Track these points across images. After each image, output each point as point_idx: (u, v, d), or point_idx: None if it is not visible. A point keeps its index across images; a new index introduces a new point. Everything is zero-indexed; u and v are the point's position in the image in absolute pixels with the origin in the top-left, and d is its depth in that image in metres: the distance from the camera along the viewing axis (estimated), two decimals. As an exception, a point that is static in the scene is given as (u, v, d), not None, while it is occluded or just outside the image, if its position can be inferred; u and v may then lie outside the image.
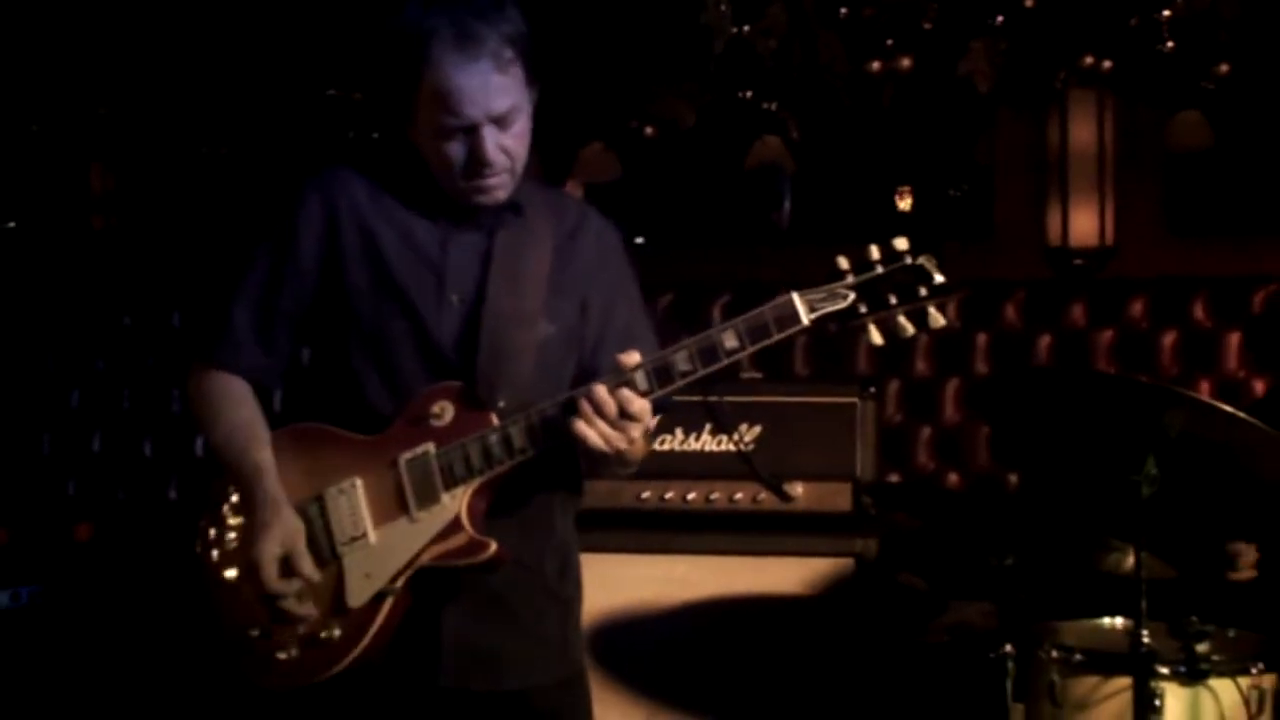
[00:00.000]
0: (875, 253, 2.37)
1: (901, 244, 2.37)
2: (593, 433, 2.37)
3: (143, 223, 6.15)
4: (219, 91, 5.80)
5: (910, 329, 2.38)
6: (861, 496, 3.91)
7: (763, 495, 3.94)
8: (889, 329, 2.38)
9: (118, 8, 5.62)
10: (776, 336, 2.37)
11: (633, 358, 2.39)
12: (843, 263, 2.37)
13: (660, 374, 2.39)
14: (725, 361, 2.39)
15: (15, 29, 5.62)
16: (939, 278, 2.36)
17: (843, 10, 5.12)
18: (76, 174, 6.15)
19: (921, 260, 2.36)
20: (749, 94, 5.30)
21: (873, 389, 4.03)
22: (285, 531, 2.43)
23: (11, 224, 5.50)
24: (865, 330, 2.38)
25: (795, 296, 2.36)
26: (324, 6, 5.54)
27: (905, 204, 5.91)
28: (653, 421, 2.45)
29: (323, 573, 2.46)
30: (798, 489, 3.92)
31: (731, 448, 3.96)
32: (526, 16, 2.48)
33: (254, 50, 5.68)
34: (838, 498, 3.92)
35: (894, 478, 5.06)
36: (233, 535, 2.56)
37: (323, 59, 5.66)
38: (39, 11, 5.59)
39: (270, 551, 2.42)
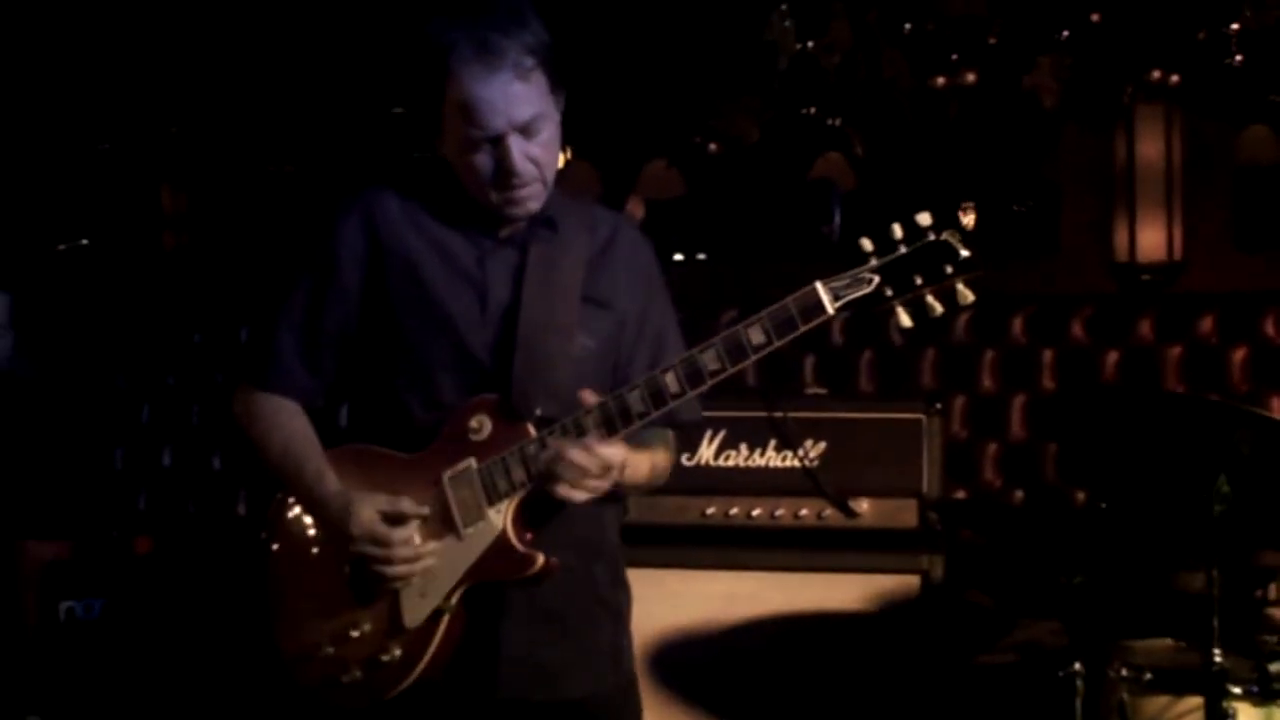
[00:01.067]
0: (898, 232, 2.32)
1: (924, 219, 2.32)
2: (573, 492, 2.38)
3: (212, 241, 6.22)
4: (287, 111, 5.86)
5: (939, 308, 2.33)
6: (927, 513, 3.89)
7: (828, 511, 3.93)
8: (918, 310, 2.33)
9: (188, 31, 5.69)
10: (804, 327, 2.34)
11: (590, 397, 2.39)
12: (866, 244, 2.33)
13: (691, 375, 2.38)
14: (754, 357, 2.35)
15: (88, 51, 5.71)
16: (965, 253, 2.30)
17: (907, 26, 5.11)
18: (148, 193, 6.23)
19: (946, 236, 2.31)
20: (813, 110, 5.31)
21: (938, 405, 4.01)
22: (371, 499, 2.45)
23: (84, 242, 5.58)
24: (894, 314, 2.34)
25: (819, 285, 2.33)
26: (389, 26, 5.59)
27: (969, 220, 5.88)
28: (634, 458, 2.45)
29: (378, 594, 2.48)
30: (863, 505, 3.91)
31: (796, 464, 3.95)
32: (567, 30, 2.52)
33: (320, 70, 5.74)
34: (903, 514, 3.91)
35: (960, 494, 5.04)
36: (292, 550, 2.58)
37: (387, 78, 5.71)
38: (111, 34, 5.68)
39: (370, 514, 2.43)
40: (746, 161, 5.57)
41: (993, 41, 5.09)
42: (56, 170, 5.96)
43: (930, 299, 2.32)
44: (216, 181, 6.21)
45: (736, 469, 3.97)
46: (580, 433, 2.40)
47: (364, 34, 5.62)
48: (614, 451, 2.39)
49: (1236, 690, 2.93)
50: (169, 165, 6.16)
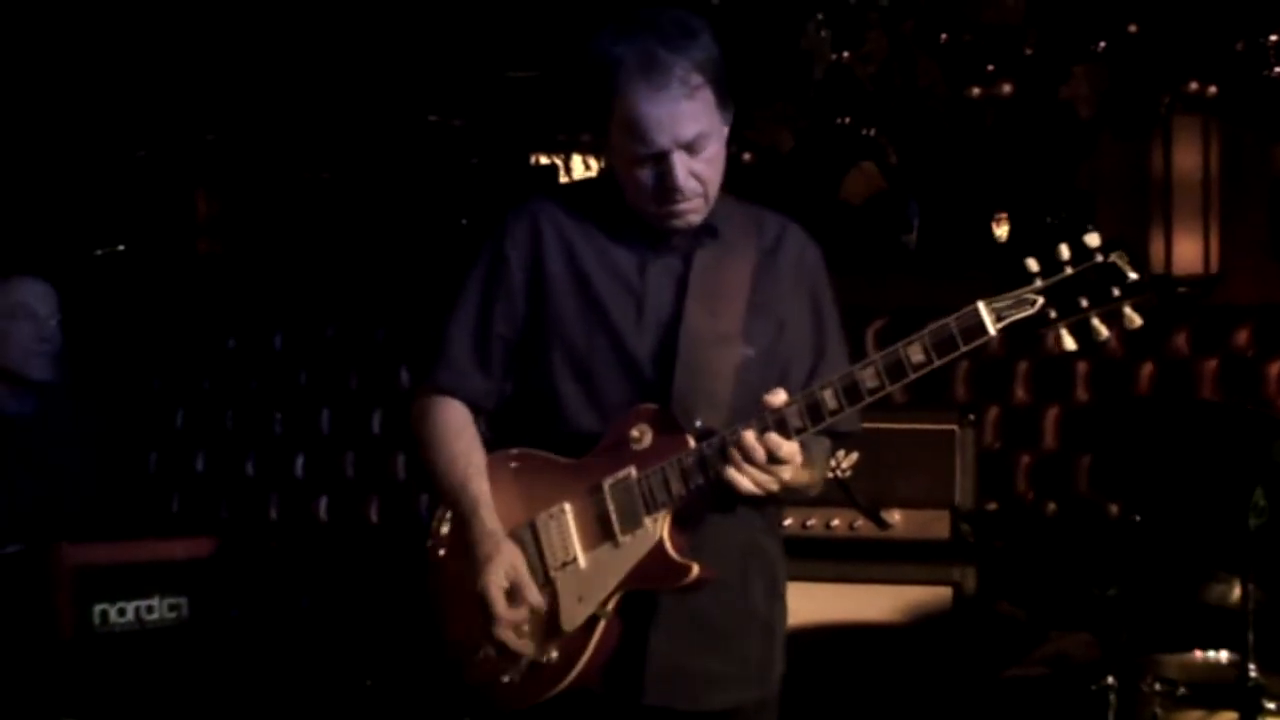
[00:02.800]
0: (1065, 252, 2.28)
1: (1093, 240, 2.28)
2: (743, 479, 2.39)
3: (246, 247, 6.25)
4: (321, 118, 5.89)
5: (1105, 332, 2.28)
6: (960, 525, 3.88)
7: (860, 522, 3.92)
8: (1082, 333, 2.29)
9: (223, 38, 5.72)
10: (964, 348, 2.31)
11: (778, 397, 2.39)
12: (1032, 265, 2.29)
13: (849, 392, 2.38)
14: (912, 376, 2.34)
15: (124, 58, 5.75)
16: (1133, 275, 2.25)
17: (943, 36, 5.10)
18: (183, 199, 6.27)
19: (1114, 258, 2.26)
20: (848, 120, 5.30)
21: (972, 416, 4.00)
22: (508, 564, 2.49)
23: (120, 247, 5.62)
24: (1057, 336, 2.29)
25: (981, 305, 2.29)
26: (423, 34, 5.61)
27: (1002, 231, 5.87)
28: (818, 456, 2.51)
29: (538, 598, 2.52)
30: (895, 516, 3.90)
31: (829, 475, 3.94)
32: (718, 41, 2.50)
33: (355, 77, 5.76)
34: (936, 526, 3.90)
35: (992, 506, 5.01)
36: (456, 560, 2.60)
37: (423, 86, 5.73)
38: (147, 41, 5.72)
39: (497, 583, 2.47)
40: (781, 171, 5.56)
41: (1029, 52, 5.08)
42: (93, 176, 6.01)
43: (1096, 322, 2.28)
44: (251, 188, 6.25)
45: (768, 478, 3.96)
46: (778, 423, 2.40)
47: (400, 41, 5.64)
48: (785, 443, 2.39)
49: (1271, 705, 2.90)
50: (204, 171, 6.20)
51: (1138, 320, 2.26)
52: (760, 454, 2.37)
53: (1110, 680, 3.18)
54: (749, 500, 2.51)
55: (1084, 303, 2.27)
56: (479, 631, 2.53)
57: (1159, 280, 5.22)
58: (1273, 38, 4.79)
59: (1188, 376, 5.07)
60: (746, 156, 5.49)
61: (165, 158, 6.10)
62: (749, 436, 2.38)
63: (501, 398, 2.65)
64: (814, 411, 2.39)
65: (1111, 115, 5.06)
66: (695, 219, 2.54)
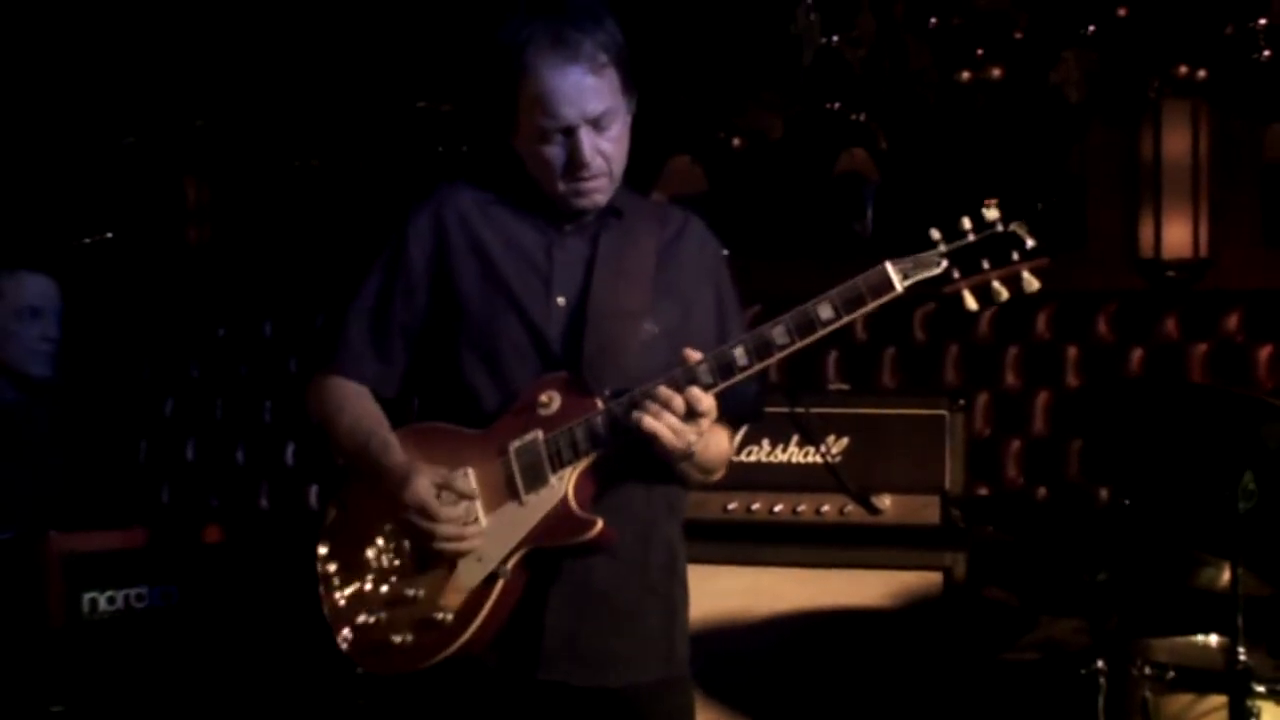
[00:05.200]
0: (966, 223, 2.39)
1: (992, 214, 2.39)
2: (663, 428, 2.42)
3: (236, 235, 6.24)
4: (311, 105, 5.87)
5: (1005, 293, 2.39)
6: (950, 510, 3.88)
7: (850, 508, 3.92)
8: (983, 295, 2.40)
9: (212, 25, 5.70)
10: (871, 304, 2.39)
11: (695, 355, 2.44)
12: (934, 234, 2.40)
13: (759, 348, 2.43)
14: (821, 332, 2.41)
15: (112, 45, 5.72)
16: (1031, 242, 2.37)
17: (932, 20, 5.09)
18: (172, 187, 6.24)
19: (1014, 227, 2.38)
20: (837, 105, 5.29)
21: (961, 401, 4.00)
22: (432, 471, 2.51)
23: (109, 235, 5.60)
24: (959, 296, 2.40)
25: (888, 264, 2.39)
26: (413, 20, 5.59)
27: (993, 215, 5.85)
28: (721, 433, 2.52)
29: (436, 562, 2.53)
30: (885, 501, 3.90)
31: (819, 459, 3.94)
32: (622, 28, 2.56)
33: (345, 64, 5.74)
34: (926, 511, 3.90)
35: (983, 491, 5.02)
36: (353, 520, 2.64)
37: (412, 72, 5.71)
38: (135, 28, 5.70)
39: (424, 486, 2.49)
40: (770, 157, 5.55)
41: (1019, 36, 5.07)
42: (81, 164, 5.99)
43: (996, 284, 2.39)
44: (240, 175, 6.23)
45: (759, 464, 3.97)
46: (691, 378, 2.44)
47: (389, 28, 5.62)
48: (705, 397, 2.42)
49: (1260, 689, 2.91)
50: (193, 159, 6.18)
51: (1035, 284, 2.39)
52: (679, 403, 2.41)
53: (1100, 665, 3.18)
54: (657, 476, 2.57)
55: (985, 265, 2.38)
56: (375, 594, 2.56)
57: (1149, 265, 5.22)
58: (1262, 21, 4.78)
59: (1178, 361, 5.08)
60: (736, 142, 5.48)
61: (154, 145, 6.07)
62: (664, 388, 2.42)
63: (398, 386, 2.68)
64: (725, 369, 2.44)
65: (1101, 100, 5.05)
66: (600, 199, 2.60)
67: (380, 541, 2.60)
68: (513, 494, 2.52)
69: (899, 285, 2.38)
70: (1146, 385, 4.22)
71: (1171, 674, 3.05)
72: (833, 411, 3.98)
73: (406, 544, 2.56)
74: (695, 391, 2.42)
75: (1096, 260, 5.36)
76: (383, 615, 2.56)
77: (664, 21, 5.06)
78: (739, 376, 2.44)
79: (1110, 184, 5.37)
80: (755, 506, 3.96)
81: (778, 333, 2.42)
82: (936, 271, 2.39)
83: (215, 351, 5.84)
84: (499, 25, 2.56)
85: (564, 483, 2.51)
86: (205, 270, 6.09)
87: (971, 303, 2.40)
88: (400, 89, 5.75)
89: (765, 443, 3.97)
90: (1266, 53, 4.80)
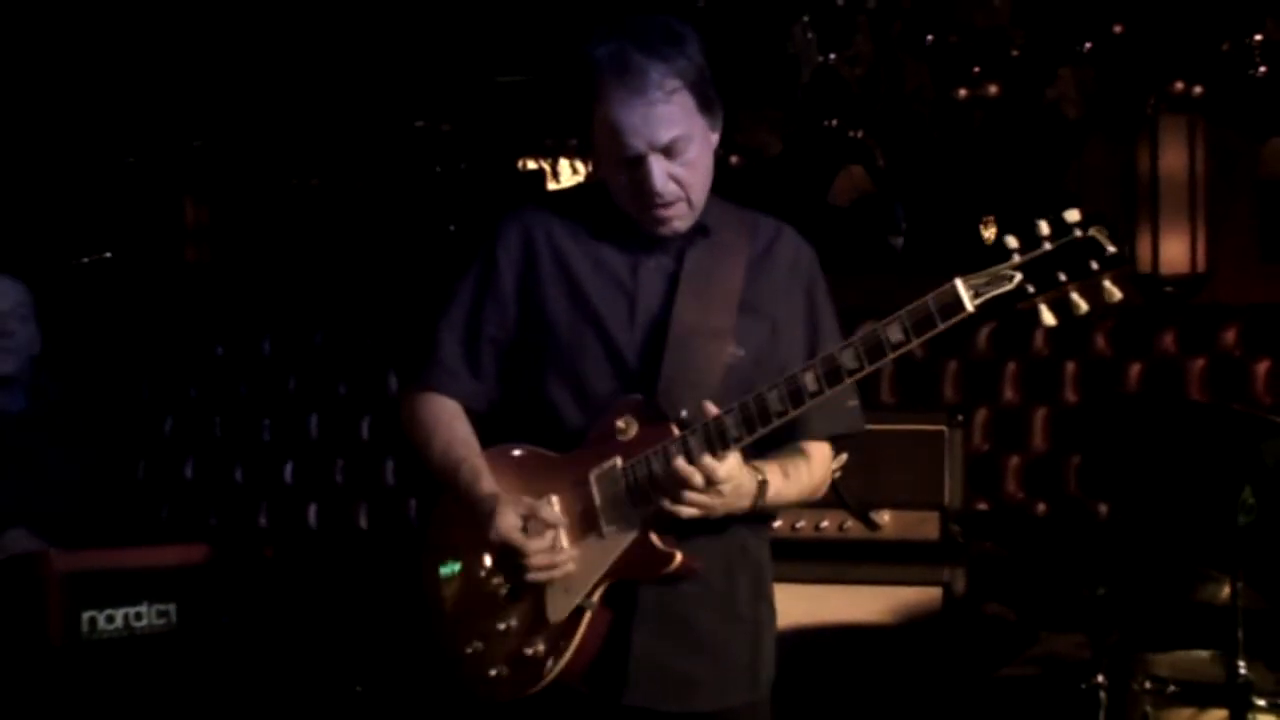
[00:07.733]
0: (1044, 228, 2.27)
1: (1073, 216, 2.27)
2: (683, 509, 2.42)
3: (235, 254, 6.24)
4: (309, 124, 5.88)
5: (1084, 306, 2.29)
6: (949, 525, 3.88)
7: (849, 523, 3.92)
8: (1062, 308, 2.29)
9: (211, 45, 5.72)
10: (942, 326, 2.31)
11: (712, 409, 2.42)
12: (1010, 241, 2.29)
13: (829, 374, 2.38)
14: (891, 356, 2.34)
15: (111, 64, 5.74)
16: (1111, 249, 2.25)
17: (929, 38, 5.10)
18: (170, 206, 6.25)
19: (1093, 232, 2.26)
20: (835, 122, 5.30)
21: (960, 417, 4.01)
22: (517, 503, 2.50)
23: (108, 254, 5.61)
24: (1036, 311, 2.30)
25: (958, 282, 2.30)
26: (411, 40, 5.61)
27: (990, 233, 5.87)
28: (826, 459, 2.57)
29: (525, 593, 2.53)
30: (885, 517, 3.90)
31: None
32: (585, 40, 2.52)
33: (343, 83, 5.76)
34: (925, 526, 3.90)
35: (981, 506, 5.02)
36: (454, 541, 2.63)
37: (410, 91, 5.73)
38: (134, 47, 5.71)
39: (511, 522, 2.48)
40: (768, 174, 5.56)
41: (1015, 53, 5.08)
42: (80, 183, 6.00)
43: (1075, 296, 2.28)
44: (239, 195, 6.24)
45: (758, 480, 3.96)
46: (721, 432, 2.41)
47: (387, 48, 5.64)
48: (719, 465, 2.40)
49: (1261, 702, 2.91)
50: (192, 178, 6.19)
51: (1117, 294, 2.27)
52: (698, 479, 2.40)
53: (1100, 679, 3.18)
54: None
55: (1062, 277, 2.26)
56: (471, 625, 2.55)
57: (1146, 280, 5.23)
58: (1258, 37, 4.80)
59: (1176, 376, 5.08)
60: (734, 160, 5.48)
61: (153, 164, 6.08)
62: (681, 464, 2.39)
63: (490, 400, 2.66)
64: (795, 395, 2.39)
65: (1098, 116, 5.06)
66: (680, 224, 2.55)
67: (476, 569, 2.59)
68: (593, 525, 2.51)
69: (970, 305, 2.28)
70: (1145, 401, 4.22)
71: (1172, 688, 3.05)
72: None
73: (500, 574, 2.56)
74: (709, 462, 2.39)
75: (1094, 276, 5.36)
76: (479, 646, 2.56)
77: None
78: (810, 403, 2.39)
79: (1107, 200, 5.37)
80: (755, 523, 3.95)
81: (847, 356, 2.37)
82: (1010, 287, 2.27)
83: (214, 370, 5.84)
84: (577, 45, 2.52)
85: (643, 515, 2.48)
86: (204, 289, 6.09)
87: (1049, 318, 2.30)
88: (399, 108, 5.77)
89: (764, 459, 3.97)
90: (1263, 69, 4.81)
